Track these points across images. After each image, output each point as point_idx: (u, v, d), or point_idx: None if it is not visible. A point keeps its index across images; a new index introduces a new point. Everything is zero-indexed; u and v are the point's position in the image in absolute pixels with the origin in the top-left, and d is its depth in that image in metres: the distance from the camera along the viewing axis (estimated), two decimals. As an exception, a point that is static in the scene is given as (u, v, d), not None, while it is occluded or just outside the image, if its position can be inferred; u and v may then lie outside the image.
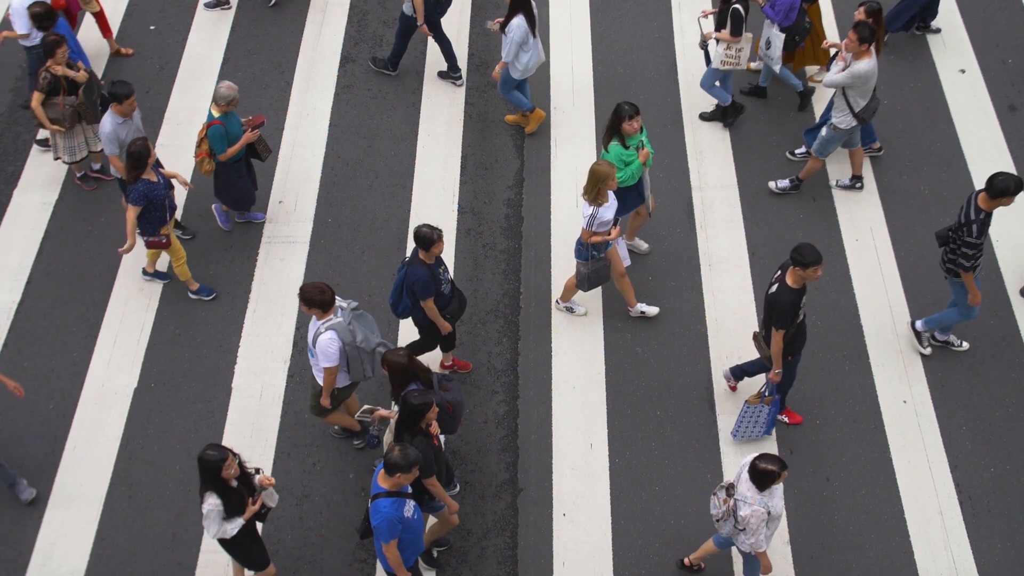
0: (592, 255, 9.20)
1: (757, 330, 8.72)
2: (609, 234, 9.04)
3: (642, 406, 9.37)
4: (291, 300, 10.07)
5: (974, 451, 9.07)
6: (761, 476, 7.17)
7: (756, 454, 7.31)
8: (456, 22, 12.69)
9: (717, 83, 11.31)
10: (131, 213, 9.20)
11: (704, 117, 11.61)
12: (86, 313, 10.00)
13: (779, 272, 8.24)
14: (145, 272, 10.19)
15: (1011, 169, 11.11)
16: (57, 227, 10.69)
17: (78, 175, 10.91)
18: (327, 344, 7.97)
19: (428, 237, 8.27)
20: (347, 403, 8.83)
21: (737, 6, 10.59)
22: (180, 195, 10.81)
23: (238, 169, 9.98)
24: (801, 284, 8.09)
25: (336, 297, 8.10)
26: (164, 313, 10.00)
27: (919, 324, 9.63)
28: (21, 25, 10.58)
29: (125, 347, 9.75)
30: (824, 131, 10.32)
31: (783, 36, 10.87)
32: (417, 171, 11.22)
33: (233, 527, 7.31)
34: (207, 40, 12.55)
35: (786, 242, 10.51)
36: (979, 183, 10.99)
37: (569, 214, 10.79)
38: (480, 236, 10.60)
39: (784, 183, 10.89)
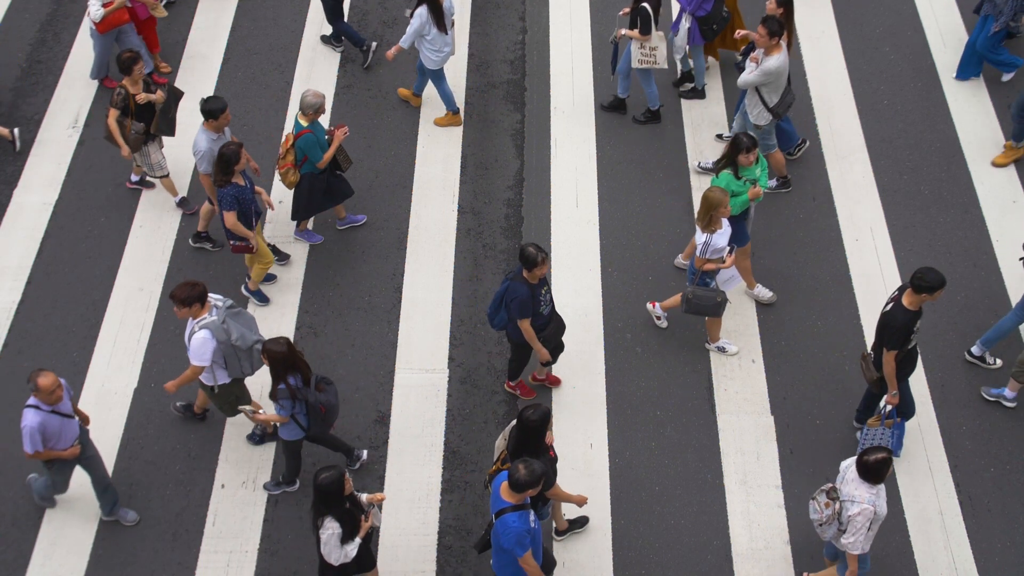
0: (704, 282, 9.09)
1: (866, 351, 8.60)
2: (723, 262, 8.94)
3: (642, 406, 9.37)
4: (291, 300, 10.07)
5: (974, 451, 9.07)
6: (874, 469, 7.09)
7: (854, 456, 7.27)
8: (456, 22, 12.66)
9: (662, 81, 11.37)
10: (230, 218, 9.09)
11: (605, 107, 11.67)
12: (86, 313, 10.00)
13: (896, 292, 8.15)
14: (247, 289, 9.98)
15: (1011, 171, 11.11)
16: (57, 227, 10.69)
17: (176, 199, 10.71)
18: (200, 344, 7.92)
19: (533, 258, 8.07)
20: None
21: (645, 5, 10.65)
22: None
23: (323, 180, 9.91)
24: (918, 306, 7.98)
25: (211, 295, 8.05)
26: (164, 313, 9.99)
27: (975, 350, 9.55)
28: None
29: (125, 347, 9.75)
30: (753, 134, 10.37)
31: (687, 26, 10.98)
32: (417, 171, 11.22)
33: (352, 548, 7.16)
34: (207, 40, 12.55)
35: (787, 242, 10.50)
36: (979, 183, 10.99)
37: (569, 214, 10.79)
38: (480, 236, 10.60)
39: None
